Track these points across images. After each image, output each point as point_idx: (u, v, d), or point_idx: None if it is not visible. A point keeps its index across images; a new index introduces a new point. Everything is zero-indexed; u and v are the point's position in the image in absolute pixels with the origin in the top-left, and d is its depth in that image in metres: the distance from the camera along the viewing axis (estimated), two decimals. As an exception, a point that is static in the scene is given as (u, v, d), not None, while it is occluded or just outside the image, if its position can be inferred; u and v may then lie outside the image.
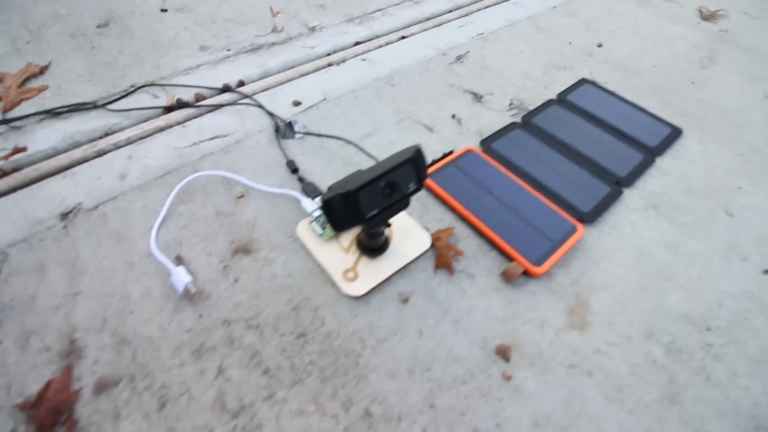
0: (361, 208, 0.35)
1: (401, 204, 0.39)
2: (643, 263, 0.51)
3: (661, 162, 0.65)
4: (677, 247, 0.54)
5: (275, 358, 0.40)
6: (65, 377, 0.38)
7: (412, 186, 0.38)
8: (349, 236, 0.48)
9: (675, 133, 0.69)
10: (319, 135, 0.61)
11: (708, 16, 1.08)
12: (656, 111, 0.73)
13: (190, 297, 0.43)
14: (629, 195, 0.59)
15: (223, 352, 0.40)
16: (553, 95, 0.74)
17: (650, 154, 0.64)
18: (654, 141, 0.66)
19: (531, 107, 0.71)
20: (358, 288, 0.44)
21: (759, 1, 1.19)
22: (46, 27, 0.83)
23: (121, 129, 0.63)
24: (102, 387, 0.38)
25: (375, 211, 0.37)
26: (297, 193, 0.53)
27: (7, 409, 0.37)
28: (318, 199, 0.51)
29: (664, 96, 0.78)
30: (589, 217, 0.54)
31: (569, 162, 0.61)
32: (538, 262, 0.47)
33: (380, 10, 0.96)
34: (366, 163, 0.59)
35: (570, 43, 0.89)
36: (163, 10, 0.89)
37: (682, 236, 0.55)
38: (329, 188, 0.42)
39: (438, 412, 0.38)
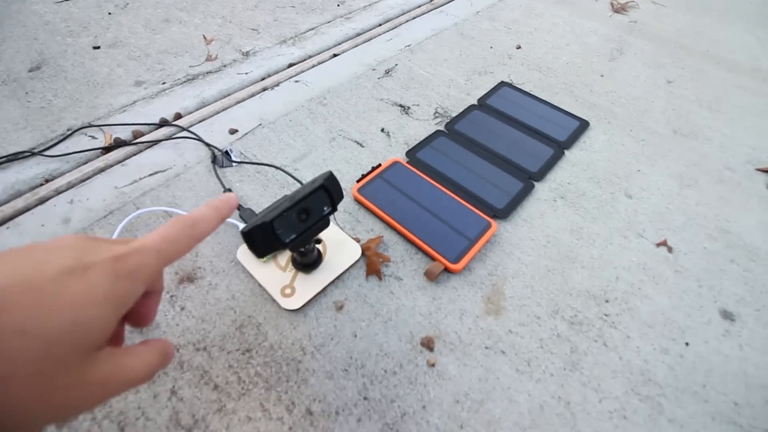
0: (278, 235, 0.40)
1: (319, 225, 0.44)
2: (551, 249, 0.58)
3: (569, 154, 0.72)
4: (581, 231, 0.61)
5: (223, 374, 0.45)
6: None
7: (326, 209, 0.43)
8: (285, 256, 0.53)
9: (583, 126, 0.77)
10: (254, 163, 0.65)
11: (619, 9, 1.18)
12: (568, 106, 0.81)
13: (140, 329, 0.47)
14: (540, 188, 0.66)
15: (174, 375, 0.44)
16: (474, 101, 0.81)
17: (560, 148, 0.72)
18: (563, 135, 0.74)
19: (454, 114, 0.77)
20: (295, 302, 0.49)
21: (666, -11, 1.30)
22: (-25, 74, 0.83)
23: (61, 174, 0.65)
24: (62, 420, 0.41)
25: (293, 236, 0.41)
26: (235, 220, 0.57)
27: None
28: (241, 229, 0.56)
29: (575, 91, 0.86)
30: (503, 212, 0.61)
31: (487, 163, 0.67)
32: (457, 260, 0.53)
33: (312, 29, 1.00)
34: (297, 186, 0.64)
35: (491, 47, 0.96)
36: (96, 47, 0.90)
37: (586, 221, 0.62)
38: (251, 218, 0.47)
39: (371, 403, 0.43)
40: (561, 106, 0.80)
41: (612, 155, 0.73)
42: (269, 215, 0.39)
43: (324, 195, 0.43)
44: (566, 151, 0.72)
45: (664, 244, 0.61)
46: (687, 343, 0.51)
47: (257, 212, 0.58)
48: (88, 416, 0.42)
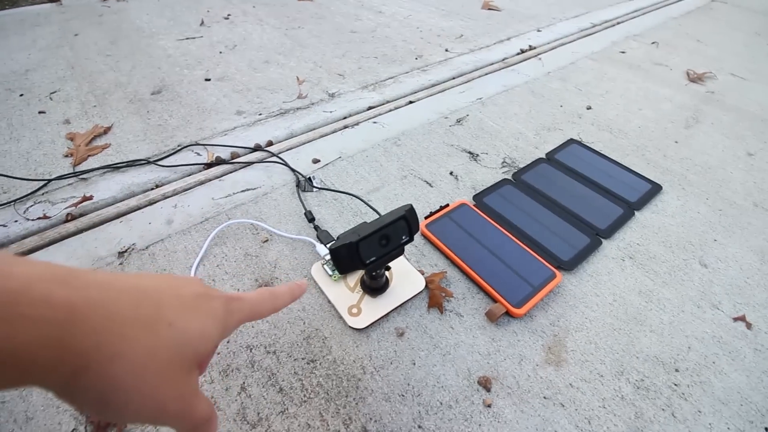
0: (361, 256, 0.44)
1: (396, 252, 0.47)
2: (617, 308, 0.57)
3: (640, 216, 0.71)
4: (650, 294, 0.59)
5: (288, 379, 0.48)
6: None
7: (404, 238, 0.47)
8: (355, 277, 0.57)
9: (655, 189, 0.76)
10: (333, 190, 0.71)
11: (695, 79, 1.18)
12: (639, 169, 0.81)
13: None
14: (608, 246, 0.66)
15: (246, 373, 0.48)
16: (542, 154, 0.83)
17: (630, 208, 0.72)
18: (634, 196, 0.74)
19: (521, 165, 0.80)
20: (361, 322, 0.52)
21: (746, 62, 1.28)
22: (109, 93, 0.99)
23: (169, 182, 0.74)
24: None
25: (373, 258, 0.45)
26: (312, 239, 0.62)
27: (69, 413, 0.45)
28: (330, 245, 0.60)
29: (647, 155, 0.86)
30: (569, 265, 0.61)
31: (553, 215, 0.68)
32: (519, 304, 0.54)
33: (392, 78, 1.09)
34: (371, 215, 0.68)
35: (561, 106, 1.00)
36: (207, 80, 1.05)
37: (656, 285, 0.61)
38: (337, 238, 0.51)
39: (424, 433, 0.44)
40: (632, 168, 0.81)
41: (686, 221, 0.71)
42: (353, 237, 0.43)
43: (404, 225, 0.46)
44: (636, 212, 0.72)
45: (742, 319, 0.57)
46: (766, 429, 0.47)
47: (333, 235, 0.63)
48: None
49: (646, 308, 0.58)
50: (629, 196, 0.74)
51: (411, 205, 0.47)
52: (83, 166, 0.77)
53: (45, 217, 0.67)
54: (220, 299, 0.26)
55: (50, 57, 1.13)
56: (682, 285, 0.61)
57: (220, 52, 1.18)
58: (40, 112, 0.91)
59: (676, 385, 0.50)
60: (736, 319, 0.57)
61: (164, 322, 0.22)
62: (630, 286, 0.60)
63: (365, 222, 0.54)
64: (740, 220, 0.73)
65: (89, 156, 0.80)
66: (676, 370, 0.52)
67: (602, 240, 0.66)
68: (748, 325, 0.57)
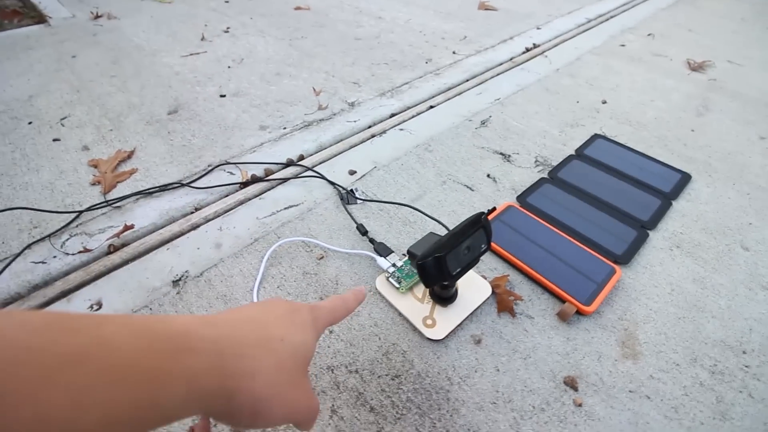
0: (449, 267, 0.44)
1: (475, 262, 0.48)
2: (676, 297, 0.59)
3: (677, 205, 0.74)
4: (704, 281, 0.61)
5: (377, 397, 0.47)
6: (205, 422, 0.45)
7: (483, 247, 0.47)
8: (422, 288, 0.57)
9: (685, 178, 0.78)
10: (379, 201, 0.71)
11: (696, 67, 1.22)
12: (665, 159, 0.84)
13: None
14: (654, 237, 0.67)
15: (333, 395, 0.47)
16: (571, 151, 0.85)
17: (666, 198, 0.74)
18: (668, 187, 0.76)
19: (554, 163, 0.81)
20: (439, 332, 0.52)
21: (739, 48, 1.33)
22: (123, 116, 0.96)
23: (208, 204, 0.73)
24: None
25: (458, 269, 0.45)
26: (370, 253, 0.62)
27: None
28: (390, 257, 0.60)
29: (669, 144, 0.89)
30: (624, 258, 0.62)
31: (596, 210, 0.70)
32: (588, 302, 0.55)
33: (407, 83, 1.10)
34: (422, 223, 0.68)
35: (578, 102, 1.02)
36: (222, 96, 1.03)
37: (707, 271, 0.63)
38: (409, 251, 0.51)
39: (524, 438, 0.44)
40: (658, 159, 0.83)
41: (720, 207, 0.74)
42: (441, 248, 0.43)
43: (483, 234, 0.47)
44: (673, 202, 0.74)
45: (793, 298, 0.60)
46: (840, 403, 0.49)
47: (388, 246, 0.62)
48: None
49: (703, 295, 0.60)
50: (663, 187, 0.76)
51: (484, 213, 0.47)
52: (113, 194, 0.75)
53: (86, 250, 0.64)
54: (305, 308, 0.30)
55: (52, 81, 1.09)
56: (730, 269, 0.63)
57: (229, 67, 1.16)
58: (54, 140, 0.88)
59: (746, 366, 0.52)
60: (786, 299, 0.60)
61: (277, 340, 0.27)
62: (683, 275, 0.62)
63: (432, 233, 0.54)
64: (768, 202, 0.76)
65: (118, 182, 0.77)
66: (744, 353, 0.53)
67: (648, 231, 0.68)
68: (800, 304, 0.59)
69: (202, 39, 1.31)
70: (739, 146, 0.90)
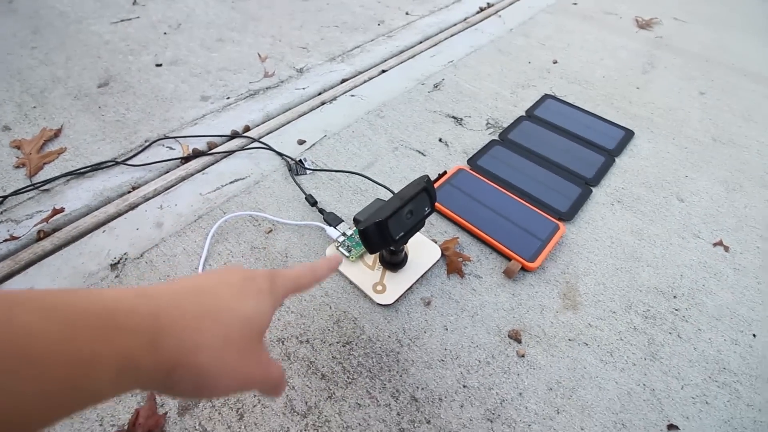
0: (391, 232, 0.43)
1: (419, 225, 0.47)
2: (615, 249, 0.62)
3: (620, 161, 0.76)
4: (641, 232, 0.64)
5: (328, 364, 0.48)
6: (151, 405, 0.44)
7: (427, 210, 0.47)
8: (372, 255, 0.56)
9: (628, 135, 0.81)
10: (329, 170, 0.69)
11: (644, 25, 1.24)
12: (610, 117, 0.86)
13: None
14: (597, 193, 0.70)
15: (283, 366, 0.47)
16: (522, 112, 0.85)
17: (610, 155, 0.76)
18: (612, 144, 0.78)
19: (505, 125, 0.82)
20: (388, 297, 0.52)
21: (686, 4, 1.36)
22: (48, 91, 0.88)
23: (146, 182, 0.69)
24: (184, 408, 0.44)
25: (401, 234, 0.45)
26: (320, 223, 0.60)
27: (105, 439, 0.42)
28: (340, 226, 0.59)
29: (615, 103, 0.91)
30: (568, 215, 0.64)
31: (544, 170, 0.71)
32: (532, 259, 0.57)
33: (358, 47, 1.06)
34: (373, 190, 0.67)
35: (529, 62, 1.02)
36: (158, 65, 0.96)
37: (644, 223, 0.66)
38: (355, 219, 0.50)
39: (470, 390, 0.46)
40: (604, 117, 0.85)
41: (659, 162, 0.77)
42: (381, 214, 0.43)
43: (426, 197, 0.46)
44: (616, 159, 0.76)
45: (720, 244, 0.64)
46: (754, 335, 0.54)
47: (339, 216, 0.61)
48: (206, 403, 0.45)
49: (640, 246, 0.63)
50: (608, 144, 0.78)
51: (428, 176, 0.47)
52: (40, 176, 0.69)
53: (12, 238, 0.60)
54: (263, 276, 0.29)
55: (-39, 54, 0.97)
56: (666, 220, 0.67)
57: (165, 33, 1.07)
58: (-32, 120, 0.80)
59: (676, 310, 0.56)
60: (715, 245, 0.64)
61: (225, 310, 0.25)
62: (623, 228, 0.65)
63: (379, 199, 0.54)
64: (704, 155, 0.79)
65: (44, 164, 0.72)
66: (674, 297, 0.57)
67: (591, 188, 0.70)
68: (726, 249, 0.63)
69: (134, 3, 1.20)
70: (680, 102, 0.93)
